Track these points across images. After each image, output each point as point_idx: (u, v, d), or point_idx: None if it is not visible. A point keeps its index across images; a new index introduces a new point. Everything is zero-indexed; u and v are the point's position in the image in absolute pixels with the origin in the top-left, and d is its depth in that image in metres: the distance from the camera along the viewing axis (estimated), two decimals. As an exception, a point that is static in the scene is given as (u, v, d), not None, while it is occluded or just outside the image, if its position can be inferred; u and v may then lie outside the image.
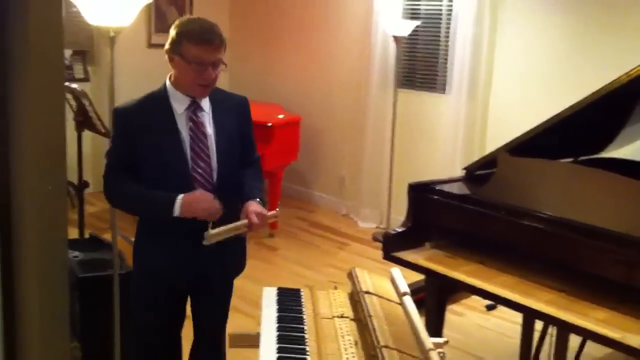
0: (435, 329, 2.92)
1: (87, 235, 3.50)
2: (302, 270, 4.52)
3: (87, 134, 3.82)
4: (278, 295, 2.13)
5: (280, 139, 5.01)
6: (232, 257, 2.45)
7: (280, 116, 5.27)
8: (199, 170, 2.28)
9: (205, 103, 2.32)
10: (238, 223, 2.25)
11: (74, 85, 3.52)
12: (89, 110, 3.44)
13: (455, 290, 3.13)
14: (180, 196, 2.19)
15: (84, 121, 3.49)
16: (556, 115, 2.83)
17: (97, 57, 5.84)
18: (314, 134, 5.91)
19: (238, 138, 2.38)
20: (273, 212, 2.42)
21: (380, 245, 5.05)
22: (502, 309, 3.89)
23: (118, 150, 2.29)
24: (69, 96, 3.46)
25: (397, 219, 5.08)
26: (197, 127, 2.28)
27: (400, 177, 5.30)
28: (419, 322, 1.87)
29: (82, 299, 2.79)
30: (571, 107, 2.79)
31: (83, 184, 3.80)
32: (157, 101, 2.27)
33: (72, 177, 3.63)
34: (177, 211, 2.18)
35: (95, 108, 3.48)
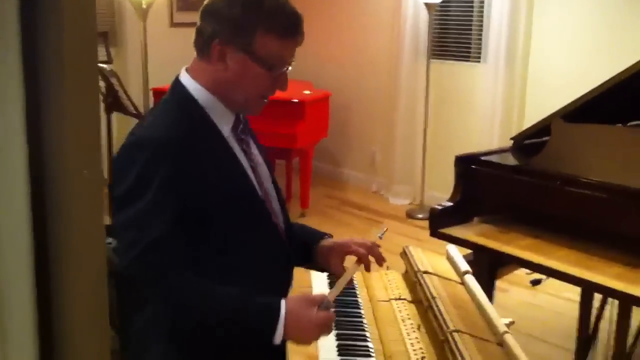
0: (487, 307, 2.79)
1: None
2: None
3: (115, 117, 3.71)
4: (329, 279, 2.00)
5: (311, 115, 4.86)
6: None
7: (309, 92, 5.11)
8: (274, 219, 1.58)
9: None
10: (347, 275, 1.61)
11: (103, 65, 3.41)
12: (118, 91, 3.32)
13: (504, 266, 3.00)
14: (283, 305, 1.38)
15: (114, 102, 3.38)
16: (608, 81, 2.67)
17: (119, 37, 5.71)
18: (343, 110, 5.76)
19: None
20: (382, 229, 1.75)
21: (414, 222, 4.95)
22: (547, 284, 3.75)
23: (167, 217, 1.34)
24: (96, 77, 3.34)
25: (431, 195, 4.95)
26: (251, 154, 1.55)
27: (434, 151, 5.15)
28: (487, 302, 1.73)
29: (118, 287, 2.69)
30: (624, 72, 2.62)
31: (113, 168, 3.69)
32: (195, 119, 1.45)
33: (103, 160, 3.52)
34: (279, 333, 1.37)
35: (125, 88, 3.36)
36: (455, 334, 1.51)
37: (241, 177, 1.49)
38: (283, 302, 1.39)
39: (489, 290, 2.85)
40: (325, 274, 2.01)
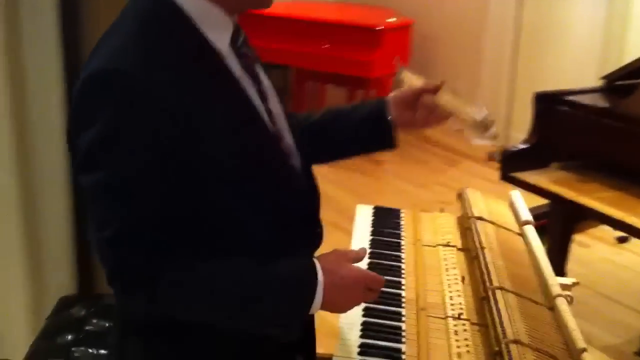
0: (557, 263, 2.54)
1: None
2: (408, 187, 4.20)
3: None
4: (374, 215, 1.82)
5: (389, 43, 4.59)
6: None
7: (391, 19, 4.83)
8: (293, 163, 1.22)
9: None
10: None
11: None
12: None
13: (584, 218, 2.73)
14: (317, 265, 1.09)
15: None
16: None
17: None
18: (428, 41, 5.42)
19: None
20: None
21: (496, 165, 4.65)
22: (635, 243, 3.43)
23: (158, 186, 1.00)
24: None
25: (517, 137, 4.60)
26: (256, 75, 1.17)
27: (522, 89, 4.78)
28: (545, 259, 1.51)
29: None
30: None
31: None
32: (182, 36, 1.05)
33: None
34: (318, 300, 1.08)
35: None
36: (498, 292, 1.31)
37: (247, 111, 1.11)
38: (316, 261, 1.10)
39: (563, 245, 2.61)
40: (371, 208, 1.82)
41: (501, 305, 1.27)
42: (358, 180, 4.13)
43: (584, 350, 1.15)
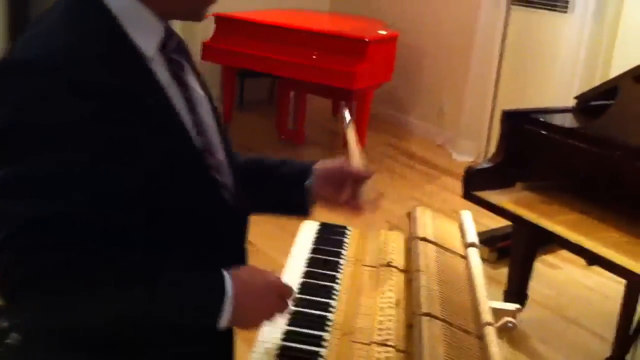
0: (518, 284, 2.48)
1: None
2: (383, 201, 4.14)
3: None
4: (318, 232, 1.75)
5: (374, 56, 4.51)
6: None
7: (382, 32, 4.77)
8: (217, 177, 1.15)
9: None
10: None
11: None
12: None
13: (549, 240, 2.66)
14: (228, 282, 1.02)
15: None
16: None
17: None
18: (413, 53, 5.37)
19: None
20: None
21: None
22: (606, 266, 3.37)
23: (64, 184, 0.91)
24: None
25: (497, 154, 4.56)
26: (185, 83, 1.11)
27: (506, 106, 4.72)
28: (481, 284, 1.44)
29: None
30: None
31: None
32: (104, 34, 1.00)
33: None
34: (226, 315, 1.01)
35: None
36: (424, 319, 1.24)
37: (169, 119, 1.05)
38: (224, 272, 1.03)
39: (525, 267, 2.54)
40: (317, 225, 1.75)
41: (425, 332, 1.20)
42: (333, 192, 4.07)
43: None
